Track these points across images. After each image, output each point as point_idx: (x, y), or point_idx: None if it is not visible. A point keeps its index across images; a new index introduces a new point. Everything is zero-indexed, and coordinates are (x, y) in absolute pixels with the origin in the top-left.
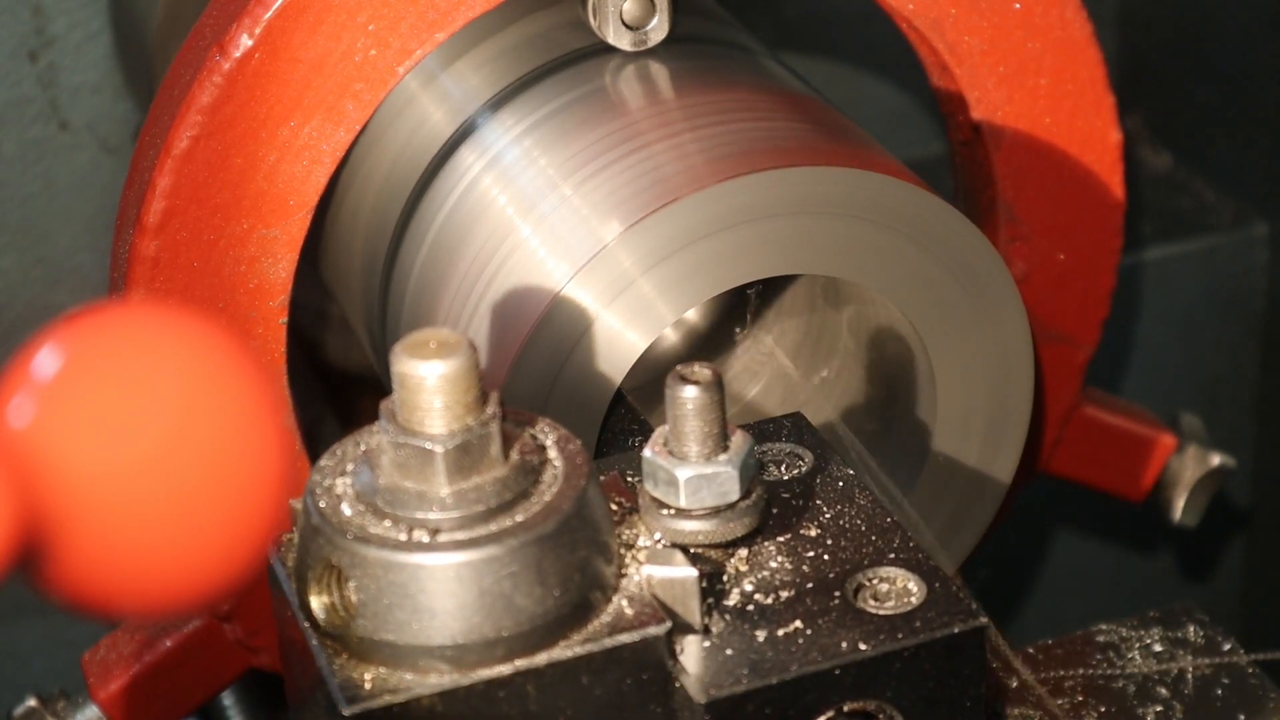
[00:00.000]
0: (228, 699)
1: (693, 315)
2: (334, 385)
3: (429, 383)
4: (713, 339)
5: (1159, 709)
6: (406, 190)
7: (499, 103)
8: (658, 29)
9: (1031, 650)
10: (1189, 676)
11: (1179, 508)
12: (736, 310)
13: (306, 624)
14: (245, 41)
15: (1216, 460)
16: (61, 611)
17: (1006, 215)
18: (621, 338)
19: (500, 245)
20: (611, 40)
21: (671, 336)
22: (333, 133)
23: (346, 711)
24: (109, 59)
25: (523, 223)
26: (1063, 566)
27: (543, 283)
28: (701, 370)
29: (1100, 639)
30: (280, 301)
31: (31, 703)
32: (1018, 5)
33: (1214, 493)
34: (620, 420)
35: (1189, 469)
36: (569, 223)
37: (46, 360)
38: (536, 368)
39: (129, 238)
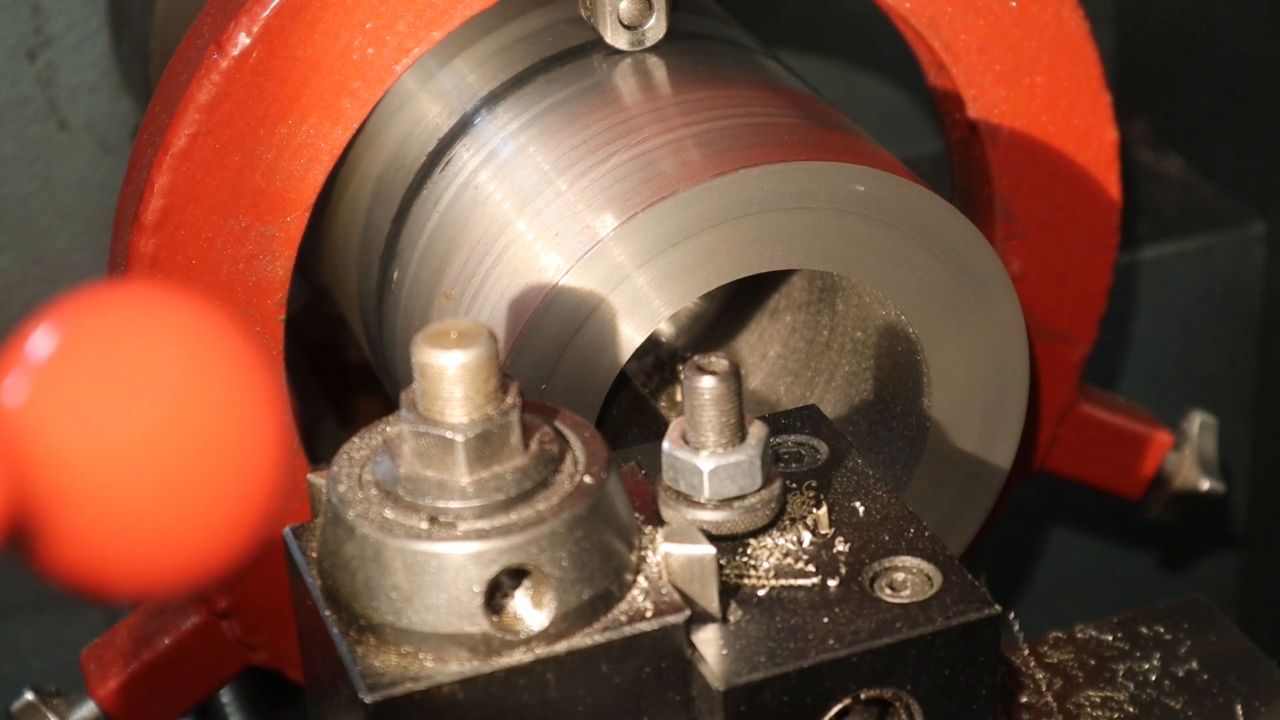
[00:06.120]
0: (225, 696)
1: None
2: (331, 383)
3: (450, 372)
4: (710, 333)
5: (1165, 699)
6: (403, 187)
7: (495, 99)
8: (655, 28)
9: (1029, 646)
10: (1194, 664)
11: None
12: (732, 303)
13: (328, 612)
14: (243, 40)
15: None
16: (55, 592)
17: (1003, 213)
18: (617, 332)
19: (496, 240)
20: (609, 39)
21: (667, 331)
22: (330, 131)
23: (368, 699)
24: (107, 58)
25: (518, 218)
26: (1058, 563)
27: (538, 278)
28: (718, 361)
29: (1103, 634)
30: (278, 299)
31: (29, 697)
32: (1014, 3)
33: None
34: (616, 415)
35: (1180, 475)
36: (564, 217)
37: (42, 340)
38: (532, 362)
39: (127, 236)
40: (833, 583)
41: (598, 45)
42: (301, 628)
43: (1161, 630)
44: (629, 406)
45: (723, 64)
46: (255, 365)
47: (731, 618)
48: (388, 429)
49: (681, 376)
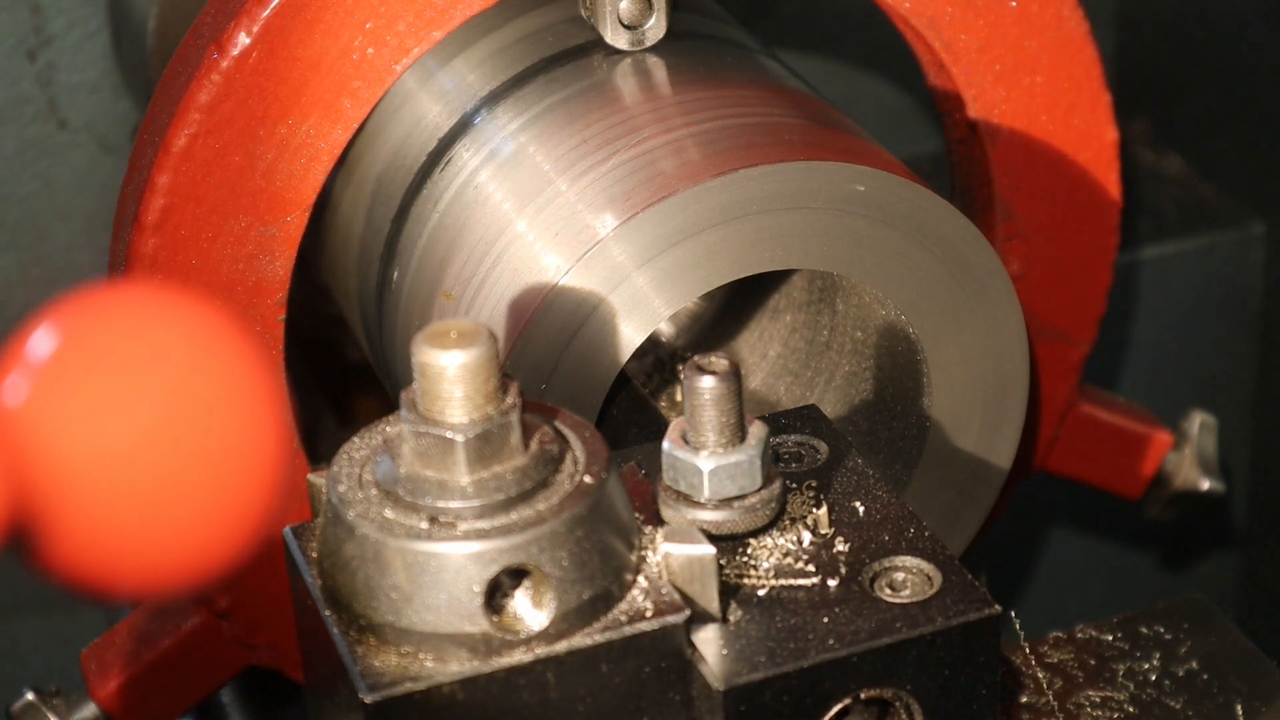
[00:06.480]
0: (226, 696)
1: (690, 308)
2: (331, 383)
3: (450, 372)
4: (710, 333)
5: (1165, 699)
6: (403, 187)
7: (495, 98)
8: (655, 28)
9: (1029, 646)
10: (1194, 664)
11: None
12: (732, 303)
13: (328, 612)
14: (243, 40)
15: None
16: (55, 592)
17: (1003, 213)
18: (617, 332)
19: (496, 240)
20: (609, 39)
21: (667, 331)
22: (330, 131)
23: (368, 699)
24: (107, 58)
25: (518, 218)
26: (1058, 563)
27: (538, 278)
28: (719, 360)
29: (1103, 634)
30: (278, 299)
31: (29, 697)
32: (1014, 3)
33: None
34: (616, 415)
35: (1180, 475)
36: (564, 217)
37: (42, 340)
38: (532, 362)
39: (127, 236)
40: (833, 583)
41: (598, 45)
42: (301, 628)
43: (1161, 630)
44: (629, 406)
45: (723, 64)
46: (255, 365)
47: (731, 618)
48: (388, 429)
49: (681, 376)
